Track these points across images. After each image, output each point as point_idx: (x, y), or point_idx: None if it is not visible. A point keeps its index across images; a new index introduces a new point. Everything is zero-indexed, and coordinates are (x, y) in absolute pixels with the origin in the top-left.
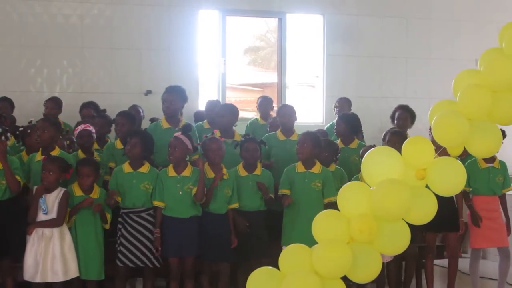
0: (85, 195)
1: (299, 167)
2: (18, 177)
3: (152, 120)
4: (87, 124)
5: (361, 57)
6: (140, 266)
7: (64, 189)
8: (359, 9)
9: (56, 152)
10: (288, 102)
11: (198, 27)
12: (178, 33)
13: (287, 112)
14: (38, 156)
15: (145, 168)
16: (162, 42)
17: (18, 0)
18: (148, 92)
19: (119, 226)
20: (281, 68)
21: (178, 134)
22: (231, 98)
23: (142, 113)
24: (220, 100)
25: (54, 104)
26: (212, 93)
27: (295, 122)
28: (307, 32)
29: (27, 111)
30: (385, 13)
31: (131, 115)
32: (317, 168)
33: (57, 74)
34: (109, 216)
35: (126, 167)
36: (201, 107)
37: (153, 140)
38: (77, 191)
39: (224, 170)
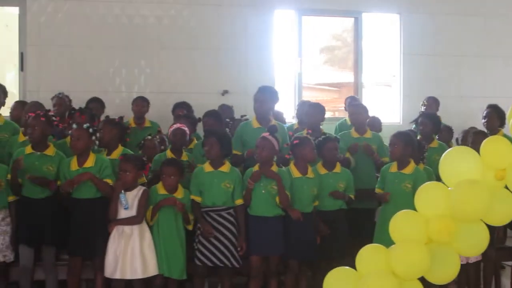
0: (168, 194)
1: (393, 167)
2: (109, 180)
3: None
4: (182, 124)
5: (439, 56)
6: (219, 266)
7: (143, 188)
8: (436, 7)
9: (119, 150)
10: (365, 101)
11: (274, 27)
12: (254, 33)
13: (358, 111)
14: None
15: (226, 167)
16: (238, 42)
17: (98, 2)
18: (225, 92)
19: (198, 224)
20: (357, 68)
21: (266, 134)
22: (308, 98)
23: (232, 112)
24: (297, 100)
25: (143, 102)
26: (288, 93)
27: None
28: (384, 31)
29: (105, 111)
30: (463, 11)
31: (219, 115)
32: (409, 168)
33: (135, 74)
34: (192, 217)
35: (207, 167)
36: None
37: (230, 139)
38: (161, 190)
39: (275, 168)
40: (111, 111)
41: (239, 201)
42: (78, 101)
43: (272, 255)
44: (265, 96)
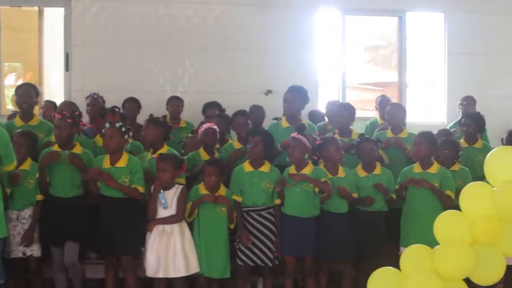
0: (210, 193)
1: (417, 168)
2: (139, 187)
3: (276, 119)
4: (212, 123)
5: (484, 55)
6: (259, 265)
7: (181, 186)
8: (481, 6)
9: (164, 150)
10: (409, 101)
11: (317, 26)
12: (297, 32)
13: (394, 110)
14: (149, 155)
15: (266, 167)
16: (281, 41)
17: (142, 2)
18: (268, 92)
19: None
20: (401, 67)
21: (294, 134)
22: (352, 97)
23: (264, 112)
24: (340, 100)
25: (178, 102)
26: (332, 92)
27: (415, 121)
28: (428, 30)
29: (150, 111)
30: (508, 10)
31: (247, 115)
32: (434, 168)
33: (179, 74)
34: (235, 215)
35: (247, 166)
36: (320, 106)
37: (273, 139)
38: (202, 190)
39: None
40: (155, 111)
41: (277, 201)
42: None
43: (305, 255)
44: (294, 96)
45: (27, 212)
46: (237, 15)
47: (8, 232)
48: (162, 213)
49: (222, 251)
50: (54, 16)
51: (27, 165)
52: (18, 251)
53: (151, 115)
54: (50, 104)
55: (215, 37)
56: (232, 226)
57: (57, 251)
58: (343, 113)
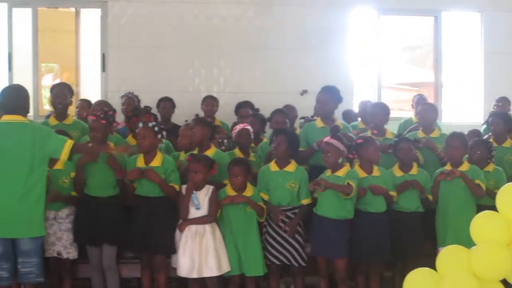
0: (237, 194)
1: (447, 168)
2: (176, 186)
3: (303, 119)
4: (246, 124)
5: None
6: (286, 264)
7: (212, 187)
8: None
9: (212, 151)
10: (445, 101)
11: (353, 26)
12: (333, 32)
13: (426, 110)
14: (182, 156)
15: (292, 167)
16: (317, 41)
17: (177, 3)
18: (304, 92)
19: (265, 223)
20: (437, 67)
21: (327, 139)
22: (388, 97)
23: (296, 112)
24: (375, 100)
25: (212, 101)
26: (368, 92)
27: (451, 121)
28: (464, 30)
29: (185, 111)
30: None
31: (287, 114)
32: (464, 166)
33: (215, 74)
34: (264, 208)
35: (272, 166)
36: (355, 106)
37: (298, 139)
38: (230, 191)
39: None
40: (190, 111)
41: (306, 201)
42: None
43: (334, 258)
44: (327, 96)
45: (64, 212)
46: (271, 15)
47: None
48: (194, 213)
49: (255, 248)
50: (90, 17)
51: (61, 164)
52: (52, 251)
53: (197, 115)
54: (86, 103)
55: (250, 37)
56: (262, 219)
57: (94, 251)
58: (378, 112)
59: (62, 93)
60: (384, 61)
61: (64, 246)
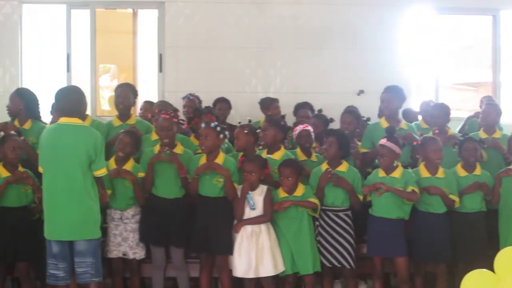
0: (288, 195)
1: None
2: (237, 186)
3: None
4: (306, 124)
5: None
6: (336, 266)
7: (266, 186)
8: None
9: (281, 152)
10: (503, 101)
11: (410, 26)
12: (390, 32)
13: (489, 111)
14: (239, 156)
15: (344, 167)
16: (374, 41)
17: (234, 3)
18: (361, 92)
19: (317, 223)
20: (495, 66)
21: (383, 141)
22: (446, 97)
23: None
24: (434, 100)
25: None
26: (426, 92)
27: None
28: None
29: (241, 112)
30: None
31: (357, 114)
32: None
33: (271, 74)
34: (318, 204)
35: (325, 167)
36: (413, 106)
37: (348, 140)
38: (281, 192)
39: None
40: (247, 111)
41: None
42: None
43: (392, 256)
44: (391, 96)
45: (130, 212)
46: (329, 15)
47: (110, 231)
48: (249, 214)
49: (307, 246)
50: (148, 18)
51: (130, 165)
52: (118, 251)
53: (268, 115)
54: (149, 105)
55: (307, 37)
56: (316, 214)
57: (158, 251)
58: (439, 113)
59: (125, 94)
60: (442, 61)
61: (130, 246)
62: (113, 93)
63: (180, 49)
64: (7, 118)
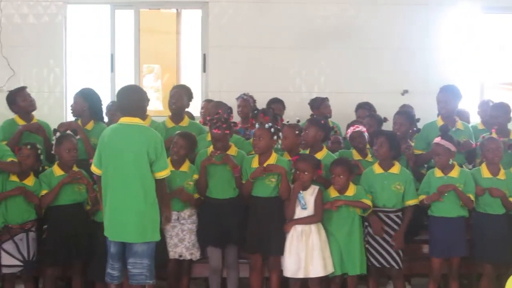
0: (340, 194)
1: None
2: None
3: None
4: (357, 125)
5: None
6: (385, 266)
7: (317, 187)
8: None
9: (323, 153)
10: None
11: (455, 25)
12: (434, 31)
13: None
14: (286, 156)
15: (396, 169)
16: (419, 41)
17: (278, 3)
18: (405, 92)
19: (366, 223)
20: None
21: (438, 140)
22: (490, 97)
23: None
24: (480, 99)
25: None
26: (470, 92)
27: None
28: None
29: (286, 111)
30: None
31: (411, 115)
32: None
33: (315, 74)
34: (370, 204)
35: (377, 168)
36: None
37: (398, 141)
38: (332, 192)
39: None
40: (292, 111)
41: (412, 202)
42: (258, 102)
43: (453, 256)
44: (448, 96)
45: (186, 213)
46: (373, 15)
47: (166, 232)
48: (300, 213)
49: (356, 246)
50: (191, 18)
51: (186, 166)
52: (174, 253)
53: (312, 115)
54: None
55: (352, 37)
56: (366, 214)
57: (215, 252)
58: (498, 113)
59: (178, 95)
60: (487, 60)
61: (186, 247)
62: (156, 93)
63: (224, 49)
64: (53, 118)
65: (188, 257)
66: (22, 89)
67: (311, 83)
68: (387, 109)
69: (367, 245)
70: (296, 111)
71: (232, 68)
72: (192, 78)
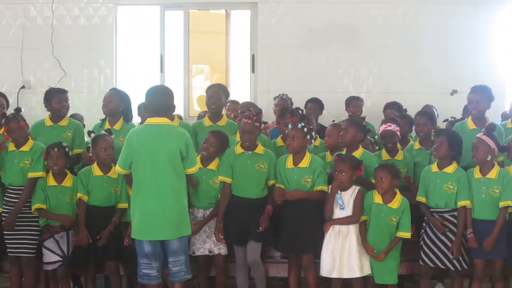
0: (382, 202)
1: None
2: (323, 187)
3: (446, 120)
4: (389, 124)
5: None
6: (440, 267)
7: (358, 187)
8: None
9: (359, 151)
10: None
11: (504, 24)
12: (484, 31)
13: None
14: (329, 157)
15: (451, 168)
16: (468, 40)
17: (325, 3)
18: (454, 92)
19: (424, 224)
20: None
21: (480, 135)
22: None
23: (436, 113)
24: None
25: (359, 102)
26: None
27: None
28: None
29: (333, 111)
30: None
31: (432, 115)
32: None
33: (363, 75)
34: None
35: (434, 166)
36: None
37: (461, 140)
38: (377, 197)
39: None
40: (337, 112)
41: (463, 203)
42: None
43: (495, 258)
44: (479, 97)
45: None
46: (420, 14)
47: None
48: (338, 213)
49: (392, 256)
50: (240, 19)
51: (214, 164)
52: (204, 249)
53: (350, 116)
54: (235, 105)
55: (399, 36)
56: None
57: (240, 250)
58: None
59: (217, 94)
60: None
61: (214, 243)
62: (202, 94)
63: (273, 50)
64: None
65: (216, 252)
66: (61, 92)
67: (359, 83)
68: (437, 108)
69: (424, 245)
70: (344, 112)
71: (281, 68)
72: (241, 79)
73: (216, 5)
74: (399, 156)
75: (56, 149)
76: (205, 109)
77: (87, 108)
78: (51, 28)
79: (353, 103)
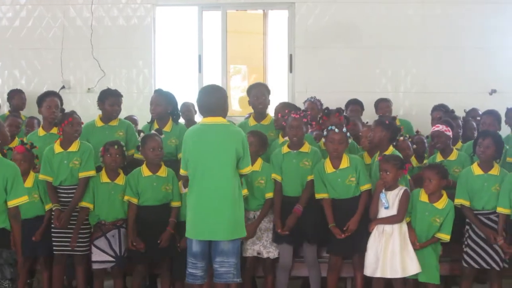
0: (429, 201)
1: None
2: (367, 186)
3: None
4: (438, 125)
5: None
6: (484, 268)
7: (404, 188)
8: None
9: (390, 151)
10: None
11: None
12: None
13: None
14: (366, 156)
15: (496, 170)
16: (508, 39)
17: (362, 3)
18: (493, 92)
19: (467, 227)
20: None
21: None
22: None
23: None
24: None
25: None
26: None
27: None
28: None
29: (370, 112)
30: None
31: (499, 115)
32: None
33: (402, 74)
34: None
35: (476, 169)
36: None
37: (503, 142)
38: (423, 196)
39: None
40: (373, 112)
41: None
42: (343, 102)
43: None
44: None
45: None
46: (460, 14)
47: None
48: (383, 213)
49: (432, 256)
50: (278, 19)
51: (258, 165)
52: (253, 250)
53: (380, 117)
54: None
55: (437, 36)
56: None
57: (287, 250)
58: None
59: (262, 94)
60: None
61: (264, 245)
62: (243, 94)
63: (310, 50)
64: (142, 119)
65: (265, 255)
66: (116, 95)
67: (397, 83)
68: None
69: (467, 247)
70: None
71: (318, 68)
72: (278, 79)
73: (253, 5)
74: (453, 156)
75: (116, 147)
76: (246, 109)
77: (126, 108)
78: (90, 29)
79: (381, 105)
